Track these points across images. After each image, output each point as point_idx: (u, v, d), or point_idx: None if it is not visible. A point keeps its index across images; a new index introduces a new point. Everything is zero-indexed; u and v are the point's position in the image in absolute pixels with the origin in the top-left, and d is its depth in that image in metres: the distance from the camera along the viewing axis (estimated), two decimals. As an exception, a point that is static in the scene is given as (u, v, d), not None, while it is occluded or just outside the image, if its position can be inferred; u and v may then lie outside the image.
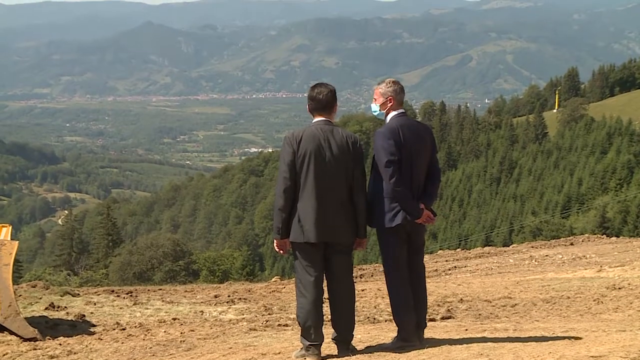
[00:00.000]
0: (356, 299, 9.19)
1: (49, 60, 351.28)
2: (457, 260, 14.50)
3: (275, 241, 5.01)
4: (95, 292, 9.92)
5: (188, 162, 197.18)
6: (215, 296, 9.65)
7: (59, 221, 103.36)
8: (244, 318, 7.62)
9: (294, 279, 9.78)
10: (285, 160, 4.89)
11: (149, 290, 10.68)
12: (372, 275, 12.67)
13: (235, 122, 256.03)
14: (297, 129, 5.02)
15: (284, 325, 6.97)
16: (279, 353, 5.22)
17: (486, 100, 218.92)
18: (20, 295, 8.70)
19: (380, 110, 5.33)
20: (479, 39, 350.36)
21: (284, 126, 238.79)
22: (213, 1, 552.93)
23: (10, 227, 7.70)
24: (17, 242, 7.27)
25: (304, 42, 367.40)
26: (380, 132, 5.14)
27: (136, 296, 9.43)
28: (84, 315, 7.96)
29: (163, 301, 9.03)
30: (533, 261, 12.97)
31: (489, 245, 24.91)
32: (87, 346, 6.18)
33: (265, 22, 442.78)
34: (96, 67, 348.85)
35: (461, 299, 8.34)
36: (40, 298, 9.37)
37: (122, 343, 6.22)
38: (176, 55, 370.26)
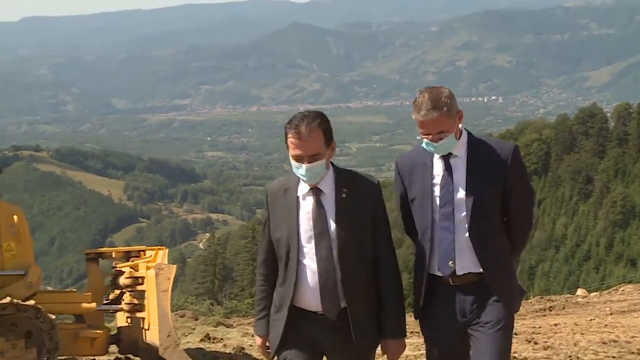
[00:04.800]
0: (551, 334, 9.04)
1: (188, 68, 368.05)
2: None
3: None
4: (250, 323, 10.27)
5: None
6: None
7: (201, 245, 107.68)
8: (421, 354, 7.64)
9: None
10: None
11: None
12: (563, 308, 12.32)
13: (392, 132, 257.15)
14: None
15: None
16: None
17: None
18: (173, 325, 9.15)
19: (457, 138, 4.04)
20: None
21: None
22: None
23: (167, 250, 8.16)
24: (175, 266, 7.68)
25: (471, 38, 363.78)
26: (520, 152, 4.11)
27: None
28: (243, 349, 8.29)
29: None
30: None
31: None
32: (250, 382, 6.42)
33: (426, 17, 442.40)
34: (238, 74, 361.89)
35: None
36: (194, 329, 9.85)
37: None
38: (325, 58, 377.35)
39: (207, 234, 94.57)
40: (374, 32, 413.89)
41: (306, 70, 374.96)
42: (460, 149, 3.99)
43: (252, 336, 8.95)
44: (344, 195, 3.86)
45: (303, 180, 3.86)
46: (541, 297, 14.46)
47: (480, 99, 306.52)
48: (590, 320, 10.15)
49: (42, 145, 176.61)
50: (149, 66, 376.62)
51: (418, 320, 4.18)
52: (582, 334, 8.96)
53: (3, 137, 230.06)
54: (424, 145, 3.98)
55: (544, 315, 11.38)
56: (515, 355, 7.66)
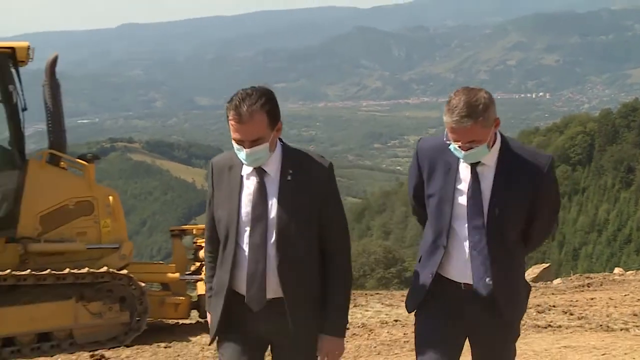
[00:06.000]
0: (586, 307, 9.00)
1: (265, 69, 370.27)
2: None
3: None
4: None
5: (399, 167, 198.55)
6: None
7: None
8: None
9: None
10: None
11: (366, 294, 11.06)
12: (601, 285, 12.18)
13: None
14: None
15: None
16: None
17: None
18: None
19: (490, 147, 3.34)
20: None
21: (500, 129, 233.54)
22: (424, 2, 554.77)
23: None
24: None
25: (521, 39, 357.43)
26: (554, 166, 3.44)
27: (354, 299, 9.80)
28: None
29: (382, 304, 9.33)
30: None
31: None
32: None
33: (480, 20, 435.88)
34: (308, 73, 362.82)
35: None
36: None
37: (347, 342, 6.53)
38: (387, 58, 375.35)
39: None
40: (431, 35, 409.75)
41: (369, 69, 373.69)
42: (490, 158, 3.31)
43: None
44: (289, 178, 3.20)
45: (244, 163, 3.22)
46: (580, 275, 14.30)
47: (529, 95, 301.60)
48: (625, 295, 10.04)
49: (134, 137, 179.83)
50: (230, 67, 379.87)
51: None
52: (616, 307, 8.89)
53: (102, 130, 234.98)
54: (451, 148, 3.25)
55: (582, 291, 11.29)
56: (551, 324, 7.67)
